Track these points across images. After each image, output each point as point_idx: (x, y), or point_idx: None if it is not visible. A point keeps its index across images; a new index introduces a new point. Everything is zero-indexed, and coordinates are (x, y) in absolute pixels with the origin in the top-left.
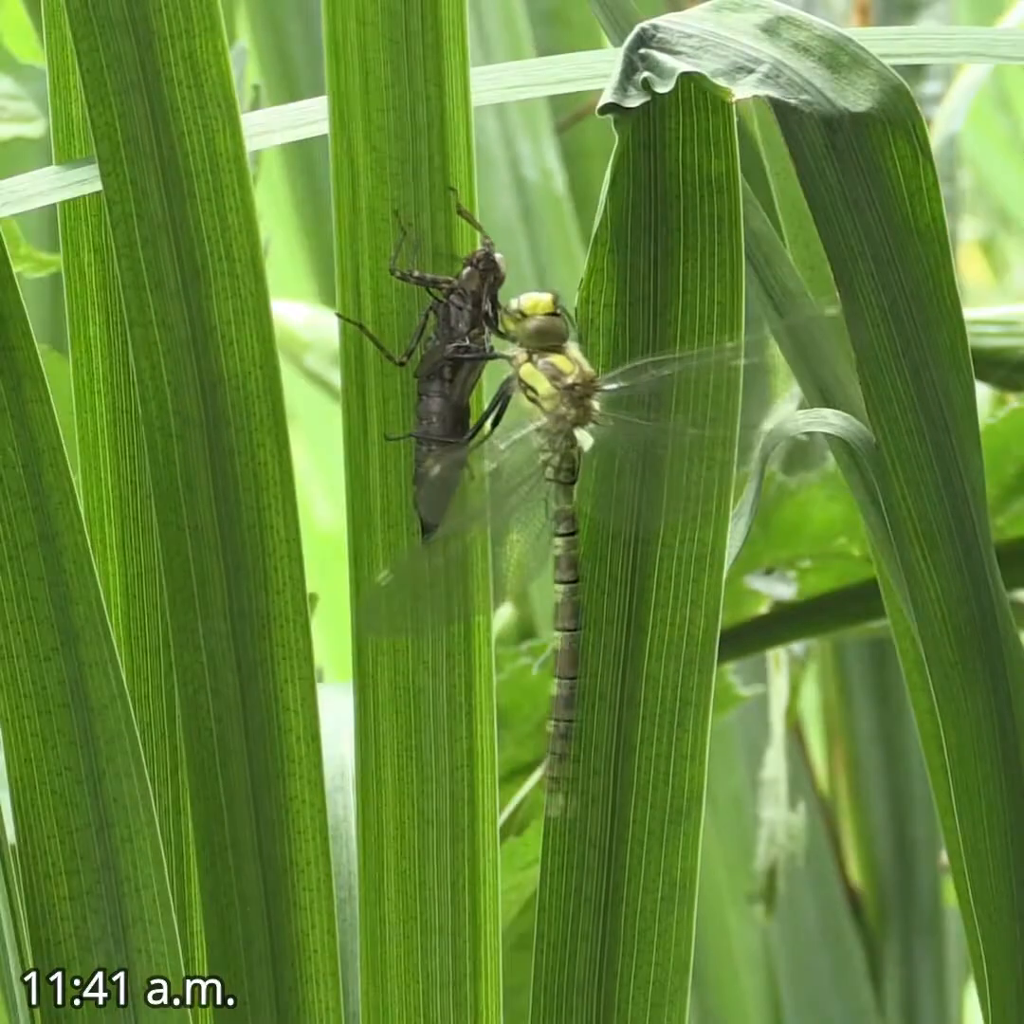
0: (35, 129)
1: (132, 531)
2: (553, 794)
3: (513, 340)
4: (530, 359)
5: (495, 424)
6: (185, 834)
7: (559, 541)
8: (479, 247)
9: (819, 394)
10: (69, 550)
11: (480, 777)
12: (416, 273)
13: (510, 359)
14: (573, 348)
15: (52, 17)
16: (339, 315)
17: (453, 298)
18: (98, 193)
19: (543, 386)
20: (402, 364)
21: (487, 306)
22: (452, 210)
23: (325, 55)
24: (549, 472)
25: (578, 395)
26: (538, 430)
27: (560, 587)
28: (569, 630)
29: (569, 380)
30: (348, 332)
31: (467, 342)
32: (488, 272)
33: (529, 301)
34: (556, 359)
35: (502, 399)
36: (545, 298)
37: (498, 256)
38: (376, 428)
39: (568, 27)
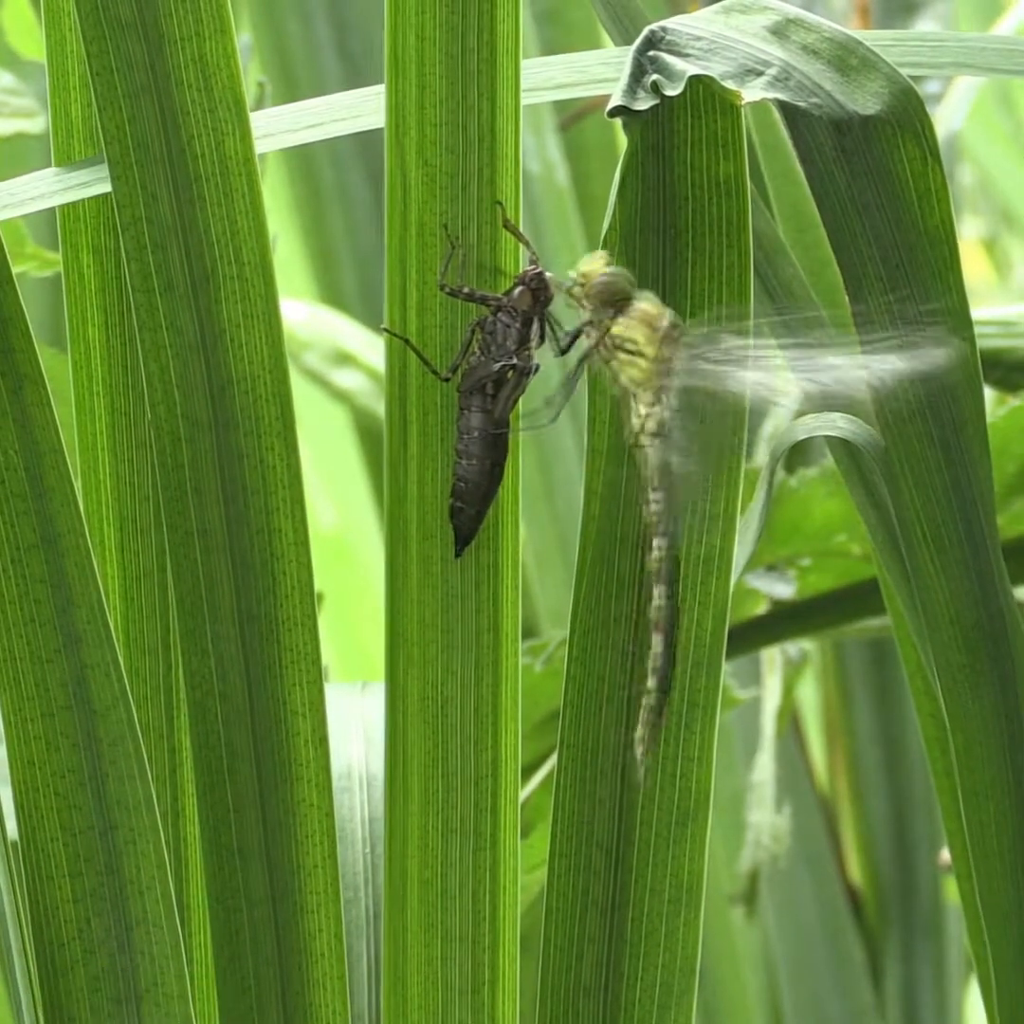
0: (36, 125)
1: (130, 533)
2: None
3: (587, 310)
4: (615, 317)
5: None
6: (184, 836)
7: (656, 495)
8: (527, 264)
9: (819, 394)
10: (71, 552)
11: (503, 787)
12: (465, 289)
13: (590, 330)
14: (648, 296)
15: (52, 18)
16: (385, 329)
17: (501, 316)
18: (98, 196)
19: (642, 335)
20: (446, 379)
21: (536, 324)
22: (499, 224)
23: (385, 69)
24: (645, 439)
25: (677, 337)
26: (640, 387)
27: (658, 541)
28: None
29: (666, 322)
30: (393, 345)
31: (513, 359)
32: (539, 291)
33: (585, 263)
34: (642, 308)
35: (579, 370)
36: (599, 257)
37: (549, 275)
38: (416, 441)
39: (567, 27)
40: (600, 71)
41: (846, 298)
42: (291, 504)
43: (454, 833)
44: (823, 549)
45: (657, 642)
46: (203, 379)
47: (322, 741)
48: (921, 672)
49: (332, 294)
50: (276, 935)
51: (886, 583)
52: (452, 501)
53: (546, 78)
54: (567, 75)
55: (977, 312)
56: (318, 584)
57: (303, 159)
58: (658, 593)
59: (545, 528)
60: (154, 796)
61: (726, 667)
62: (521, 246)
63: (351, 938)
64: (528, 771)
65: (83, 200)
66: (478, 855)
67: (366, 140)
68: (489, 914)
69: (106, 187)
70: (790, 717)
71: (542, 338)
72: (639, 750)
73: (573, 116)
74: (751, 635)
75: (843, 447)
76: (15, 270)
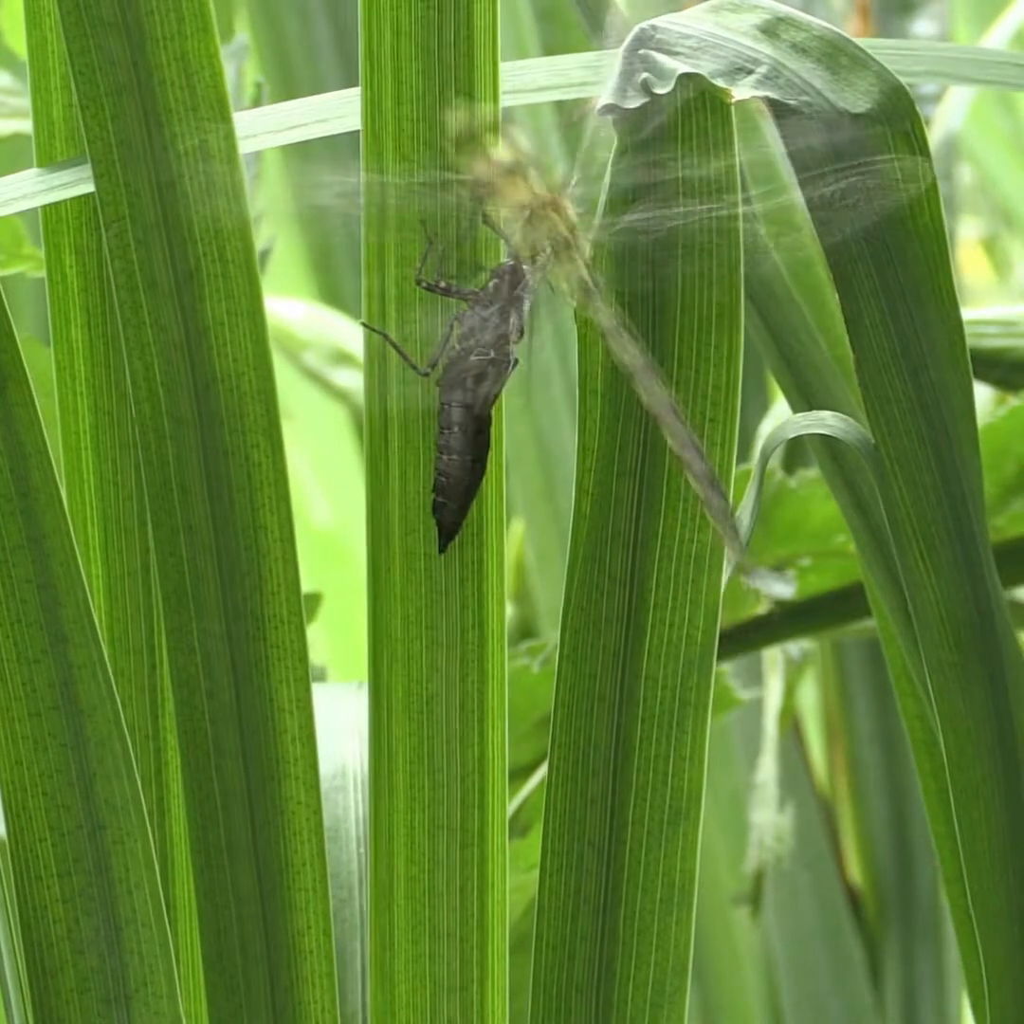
0: None
1: (114, 532)
2: (759, 577)
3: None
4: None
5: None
6: (170, 835)
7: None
8: (505, 259)
9: (802, 398)
10: (56, 552)
11: (490, 783)
12: (442, 284)
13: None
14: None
15: (33, 18)
16: (364, 324)
17: (478, 309)
18: (80, 196)
19: (492, 184)
20: (426, 374)
21: (513, 317)
22: (478, 219)
23: (360, 65)
24: (545, 258)
25: (517, 173)
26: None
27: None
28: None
29: (501, 160)
30: (373, 341)
31: (492, 353)
32: (515, 284)
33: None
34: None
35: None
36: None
37: (525, 268)
38: (397, 436)
39: (566, 26)
40: (586, 73)
41: (836, 297)
42: (276, 501)
43: (441, 830)
44: (823, 549)
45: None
46: (188, 377)
47: (309, 738)
48: (908, 674)
49: (331, 293)
50: (265, 932)
51: (871, 585)
52: (434, 496)
53: (529, 81)
54: (548, 78)
55: (977, 312)
56: (315, 583)
57: (302, 158)
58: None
59: (546, 527)
60: (141, 795)
61: (727, 667)
62: (502, 241)
63: (345, 937)
64: (527, 771)
65: (65, 200)
66: (465, 852)
67: None
68: (477, 911)
69: (88, 187)
70: (790, 717)
71: (521, 332)
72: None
73: (574, 115)
74: (751, 635)
75: (826, 449)
76: (12, 271)
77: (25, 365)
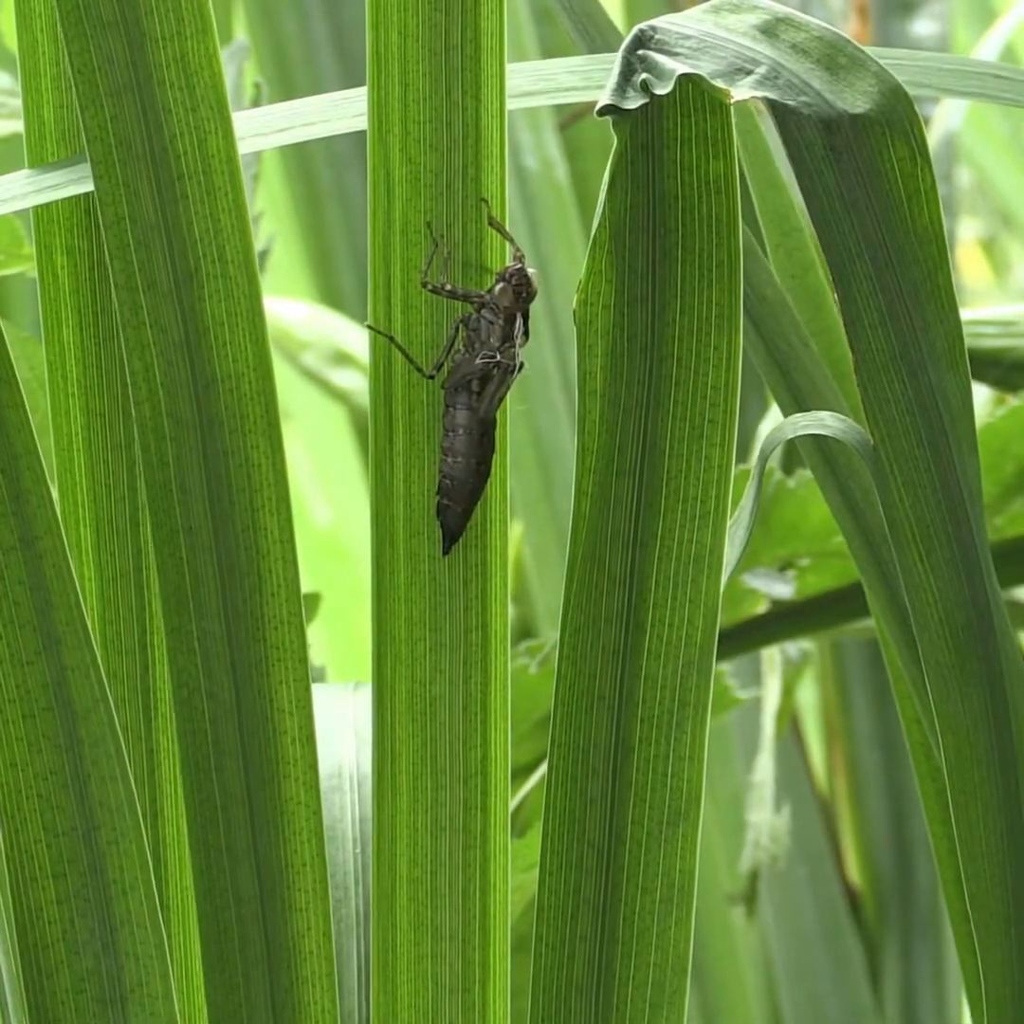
0: None
1: (106, 534)
2: None
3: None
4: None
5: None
6: (163, 837)
7: None
8: (510, 261)
9: (793, 400)
10: (49, 554)
11: (493, 785)
12: (448, 286)
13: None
14: None
15: (23, 20)
16: (369, 327)
17: (484, 312)
18: (71, 197)
19: None
20: (431, 376)
21: (519, 320)
22: (484, 221)
23: (367, 67)
24: None
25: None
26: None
27: None
28: None
29: None
30: (378, 343)
31: (497, 356)
32: (521, 287)
33: None
34: None
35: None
36: None
37: (531, 271)
38: (402, 438)
39: (563, 27)
40: (562, 79)
41: (835, 297)
42: (276, 502)
43: (443, 831)
44: (822, 549)
45: None
46: (187, 377)
47: (309, 739)
48: (905, 677)
49: (330, 294)
50: (264, 933)
51: (867, 587)
52: (439, 498)
53: (519, 84)
54: (528, 83)
55: (977, 312)
56: (316, 584)
57: (301, 159)
58: None
59: (545, 528)
60: (136, 796)
61: (726, 667)
62: (507, 244)
63: (342, 938)
64: (527, 770)
65: (56, 201)
66: (467, 853)
67: (365, 140)
68: (479, 912)
69: (80, 188)
70: (789, 717)
71: (526, 334)
72: None
73: (572, 116)
74: (751, 635)
75: (819, 452)
76: (12, 271)
77: (14, 366)
